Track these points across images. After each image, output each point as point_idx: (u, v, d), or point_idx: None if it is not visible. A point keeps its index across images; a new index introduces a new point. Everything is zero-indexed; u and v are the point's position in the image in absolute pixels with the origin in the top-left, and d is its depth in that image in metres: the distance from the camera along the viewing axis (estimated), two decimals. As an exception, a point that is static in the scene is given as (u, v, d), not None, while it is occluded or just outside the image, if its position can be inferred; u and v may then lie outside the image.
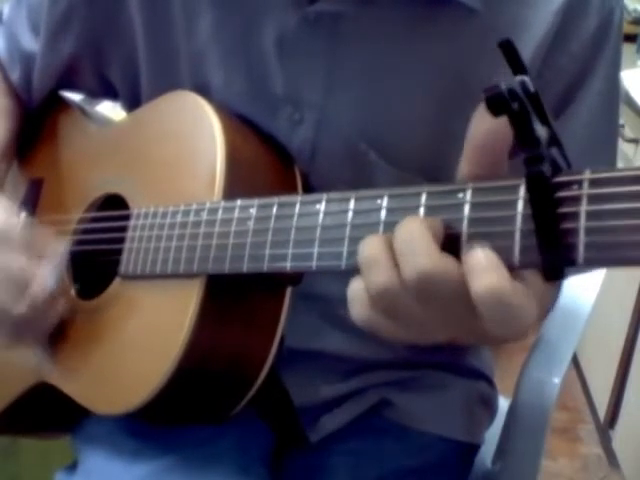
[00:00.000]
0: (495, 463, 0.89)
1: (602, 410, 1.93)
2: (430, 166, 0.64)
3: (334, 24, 0.63)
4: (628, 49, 1.95)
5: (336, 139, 0.65)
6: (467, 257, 0.40)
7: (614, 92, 0.67)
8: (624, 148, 1.76)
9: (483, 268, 0.40)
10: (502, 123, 0.40)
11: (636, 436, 1.73)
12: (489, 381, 0.86)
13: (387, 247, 0.43)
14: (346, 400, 0.76)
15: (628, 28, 1.99)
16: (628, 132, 1.80)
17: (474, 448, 0.83)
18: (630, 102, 1.73)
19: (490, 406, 0.86)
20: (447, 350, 0.80)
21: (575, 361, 2.15)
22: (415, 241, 0.42)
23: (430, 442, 0.78)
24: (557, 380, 0.82)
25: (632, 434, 1.76)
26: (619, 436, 1.84)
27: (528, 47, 0.61)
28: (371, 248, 0.43)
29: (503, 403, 0.89)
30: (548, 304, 0.64)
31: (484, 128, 0.42)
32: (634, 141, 1.80)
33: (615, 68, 0.66)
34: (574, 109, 0.65)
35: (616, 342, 1.82)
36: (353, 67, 0.64)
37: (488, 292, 0.39)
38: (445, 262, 0.41)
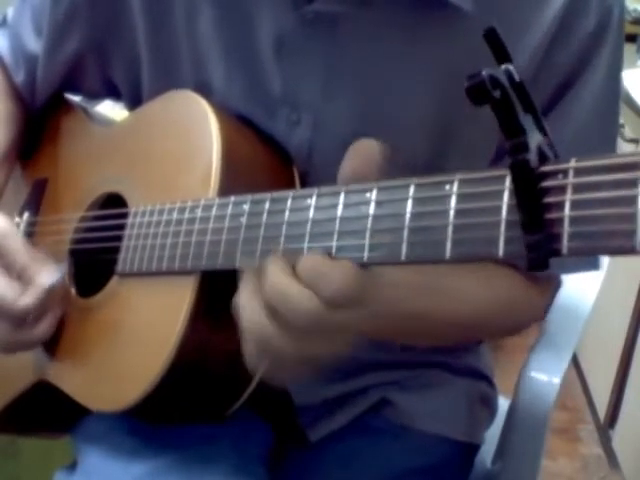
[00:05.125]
0: (495, 463, 0.89)
1: (602, 410, 1.94)
2: (427, 167, 0.64)
3: (332, 25, 0.63)
4: (628, 49, 1.94)
5: (334, 140, 0.65)
6: None
7: (614, 92, 0.67)
8: (624, 148, 1.75)
9: None
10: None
11: (636, 436, 1.73)
12: (489, 381, 0.86)
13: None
14: (346, 400, 0.76)
15: (628, 28, 1.98)
16: (628, 132, 1.80)
17: (474, 448, 0.83)
18: (630, 102, 1.73)
19: (490, 406, 0.86)
20: (447, 350, 0.80)
21: (575, 361, 2.15)
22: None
23: (430, 442, 0.78)
24: (557, 380, 0.82)
25: (632, 434, 1.76)
26: (619, 436, 1.84)
27: (527, 49, 0.61)
28: None
29: (503, 403, 0.89)
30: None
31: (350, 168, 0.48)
32: (634, 141, 1.80)
33: (615, 68, 0.66)
34: (570, 104, 0.64)
35: (616, 342, 1.82)
36: (350, 68, 0.64)
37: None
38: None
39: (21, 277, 0.66)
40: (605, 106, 0.66)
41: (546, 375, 0.83)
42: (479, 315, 0.67)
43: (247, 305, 0.49)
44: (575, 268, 0.71)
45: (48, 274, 0.66)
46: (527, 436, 0.83)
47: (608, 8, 0.62)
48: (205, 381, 0.63)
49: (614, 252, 0.37)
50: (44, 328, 0.68)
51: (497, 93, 0.38)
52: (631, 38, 2.02)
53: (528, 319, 0.75)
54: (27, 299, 0.65)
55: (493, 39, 0.39)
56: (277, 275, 0.48)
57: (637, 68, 1.95)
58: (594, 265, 0.72)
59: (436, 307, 0.61)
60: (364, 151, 0.48)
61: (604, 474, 1.85)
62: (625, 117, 1.74)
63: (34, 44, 0.79)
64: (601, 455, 1.91)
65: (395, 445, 0.77)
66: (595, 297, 0.89)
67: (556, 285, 0.75)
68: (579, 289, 0.88)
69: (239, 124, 0.66)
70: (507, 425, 0.86)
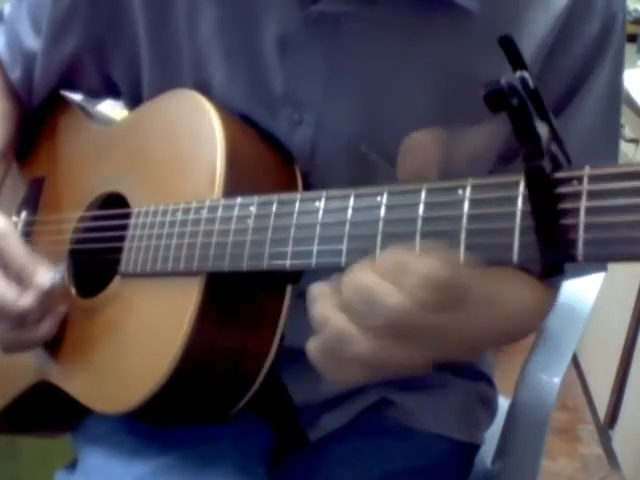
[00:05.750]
0: (495, 463, 0.89)
1: (602, 410, 1.94)
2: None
3: (335, 24, 0.63)
4: (628, 49, 1.93)
5: (336, 139, 0.65)
6: None
7: (616, 94, 0.67)
8: (624, 148, 1.76)
9: None
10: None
11: (636, 436, 1.73)
12: (489, 381, 0.86)
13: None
14: (346, 399, 0.76)
15: (628, 28, 1.97)
16: (628, 132, 1.80)
17: (474, 448, 0.83)
18: (630, 102, 1.73)
19: (490, 406, 0.86)
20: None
21: (575, 361, 2.15)
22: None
23: (430, 442, 0.78)
24: (557, 380, 0.82)
25: (632, 434, 1.76)
26: (619, 436, 1.84)
27: (528, 48, 0.61)
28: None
29: (503, 403, 0.89)
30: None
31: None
32: (634, 141, 1.80)
33: (617, 71, 0.66)
34: (575, 110, 0.65)
35: (616, 342, 1.82)
36: (353, 68, 0.64)
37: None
38: None
39: (19, 277, 0.66)
40: (608, 109, 0.67)
41: (546, 375, 0.83)
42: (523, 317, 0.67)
43: (321, 303, 0.47)
44: (583, 271, 0.72)
45: (47, 274, 0.66)
46: (527, 436, 0.83)
47: (612, 13, 0.63)
48: (209, 382, 0.63)
49: (630, 259, 0.37)
50: (45, 328, 0.68)
51: (514, 101, 0.38)
52: (631, 38, 2.02)
53: (537, 321, 0.75)
54: (27, 299, 0.65)
55: (508, 45, 0.39)
56: (354, 270, 0.45)
57: (637, 68, 1.95)
58: (602, 267, 0.72)
59: (502, 312, 0.62)
60: (421, 149, 0.46)
61: (604, 474, 1.85)
62: (625, 117, 1.74)
63: (32, 41, 0.79)
64: (601, 455, 1.91)
65: (395, 445, 0.77)
66: (595, 297, 0.89)
67: (559, 287, 0.75)
68: (579, 289, 0.88)
69: (241, 122, 0.66)
70: (507, 425, 0.86)
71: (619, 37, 0.64)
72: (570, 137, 0.64)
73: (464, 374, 0.82)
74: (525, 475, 0.83)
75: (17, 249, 0.67)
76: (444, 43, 0.62)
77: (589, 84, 0.64)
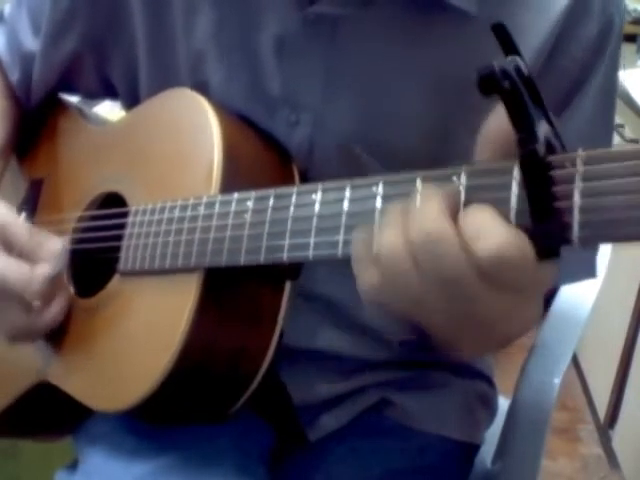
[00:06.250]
0: (495, 463, 0.89)
1: (602, 410, 1.94)
2: (425, 168, 0.64)
3: (333, 26, 0.63)
4: (628, 49, 1.95)
5: (332, 140, 0.65)
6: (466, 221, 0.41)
7: (611, 91, 0.68)
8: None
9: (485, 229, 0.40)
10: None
11: (636, 436, 1.73)
12: (489, 381, 0.86)
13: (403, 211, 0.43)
14: (346, 399, 0.76)
15: (628, 28, 1.99)
16: (628, 132, 1.80)
17: (474, 448, 0.83)
18: (630, 102, 1.73)
19: (490, 406, 0.86)
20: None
21: (575, 361, 2.15)
22: (426, 204, 0.42)
23: (430, 442, 0.78)
24: (557, 380, 0.82)
25: (632, 434, 1.76)
26: (619, 436, 1.84)
27: (527, 51, 0.61)
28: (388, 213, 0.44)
29: (503, 403, 0.89)
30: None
31: (496, 125, 0.42)
32: (634, 141, 1.80)
33: (614, 70, 0.67)
34: (574, 109, 0.65)
35: (616, 342, 1.82)
36: (351, 70, 0.64)
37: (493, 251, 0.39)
38: (448, 226, 0.41)
39: (27, 260, 0.66)
40: (604, 106, 0.67)
41: (546, 375, 0.83)
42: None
43: (388, 235, 0.43)
44: (572, 278, 0.72)
45: (53, 259, 0.66)
46: (527, 436, 0.83)
47: (609, 16, 0.63)
48: (208, 380, 0.63)
49: (626, 239, 0.37)
50: (50, 316, 0.67)
51: (507, 84, 0.38)
52: (631, 38, 2.02)
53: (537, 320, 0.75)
54: (36, 284, 0.65)
55: (501, 33, 0.40)
56: (431, 214, 0.42)
57: (637, 68, 1.95)
58: (591, 273, 0.72)
59: None
60: (501, 140, 0.42)
61: (604, 474, 1.85)
62: (625, 117, 1.74)
63: (30, 42, 0.79)
64: (601, 455, 1.91)
65: (395, 445, 0.77)
66: (595, 297, 0.89)
67: (553, 291, 0.75)
68: (578, 289, 0.88)
69: (239, 121, 0.66)
70: (507, 425, 0.86)
71: (617, 39, 0.64)
72: (569, 136, 0.64)
73: (464, 374, 0.82)
74: (525, 475, 0.83)
75: (23, 234, 0.67)
76: (442, 46, 0.62)
77: (588, 85, 0.65)
